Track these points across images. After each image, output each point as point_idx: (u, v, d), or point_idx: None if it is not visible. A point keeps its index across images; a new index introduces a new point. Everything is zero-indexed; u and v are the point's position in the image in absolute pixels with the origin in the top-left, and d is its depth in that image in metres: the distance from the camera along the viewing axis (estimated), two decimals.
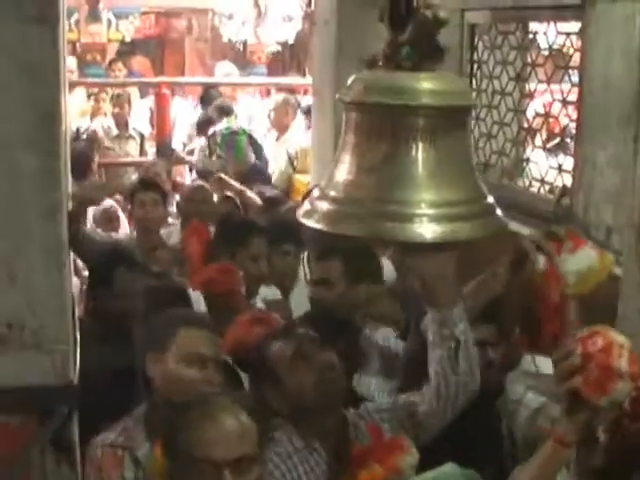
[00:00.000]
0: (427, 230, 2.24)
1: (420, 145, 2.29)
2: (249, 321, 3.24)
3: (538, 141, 4.46)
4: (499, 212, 2.44)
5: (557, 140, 4.66)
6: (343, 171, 2.35)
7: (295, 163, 7.23)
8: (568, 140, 4.36)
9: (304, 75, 10.85)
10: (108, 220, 6.10)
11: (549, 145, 4.49)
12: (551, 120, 4.51)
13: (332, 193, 2.35)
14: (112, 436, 2.65)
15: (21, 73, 1.95)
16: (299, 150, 7.17)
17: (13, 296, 1.97)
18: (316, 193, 2.44)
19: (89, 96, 9.26)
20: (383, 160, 2.28)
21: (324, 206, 2.35)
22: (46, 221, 1.97)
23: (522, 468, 2.17)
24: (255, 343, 2.94)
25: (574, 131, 4.04)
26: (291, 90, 9.31)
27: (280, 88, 9.36)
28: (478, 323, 2.82)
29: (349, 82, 2.42)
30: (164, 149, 8.16)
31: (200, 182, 6.04)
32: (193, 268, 4.23)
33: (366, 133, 2.32)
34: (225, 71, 10.29)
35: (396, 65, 2.32)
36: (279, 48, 11.63)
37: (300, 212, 2.45)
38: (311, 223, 2.37)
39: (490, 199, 2.42)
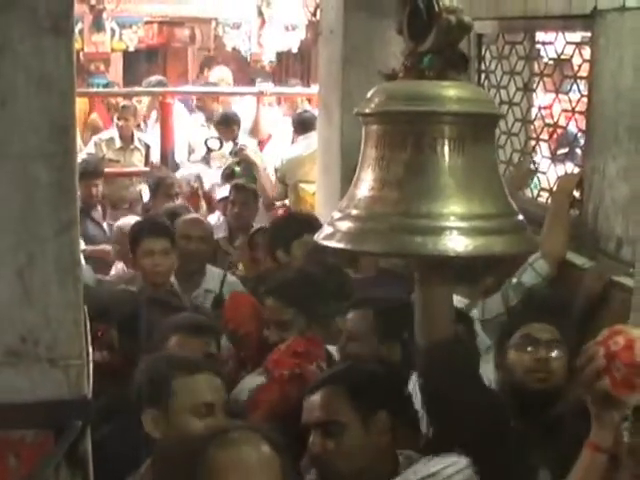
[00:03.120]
0: (459, 244, 2.14)
1: (447, 154, 2.19)
2: (283, 382, 3.05)
3: (546, 151, 4.45)
4: (529, 231, 2.35)
5: (566, 150, 4.63)
6: (365, 188, 2.25)
7: (279, 175, 7.13)
8: (577, 150, 4.35)
9: (308, 84, 10.85)
10: None
11: (558, 153, 4.47)
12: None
13: (354, 212, 2.23)
14: None
15: (36, 85, 1.94)
16: (285, 161, 7.08)
17: (27, 310, 1.96)
18: (336, 215, 2.30)
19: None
20: (408, 172, 2.18)
21: (346, 225, 2.23)
22: (61, 235, 1.95)
23: None
24: (292, 406, 2.80)
25: (582, 141, 4.04)
26: (292, 99, 9.29)
27: (286, 98, 9.33)
28: None
29: (369, 94, 2.33)
30: (168, 159, 8.15)
31: (195, 215, 5.52)
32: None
33: (389, 145, 2.22)
34: (218, 76, 10.01)
35: (418, 75, 2.25)
36: (275, 58, 11.63)
37: (320, 236, 2.32)
38: (333, 244, 2.25)
39: (520, 216, 2.33)
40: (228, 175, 7.18)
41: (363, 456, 2.56)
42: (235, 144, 7.57)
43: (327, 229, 2.31)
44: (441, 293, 2.38)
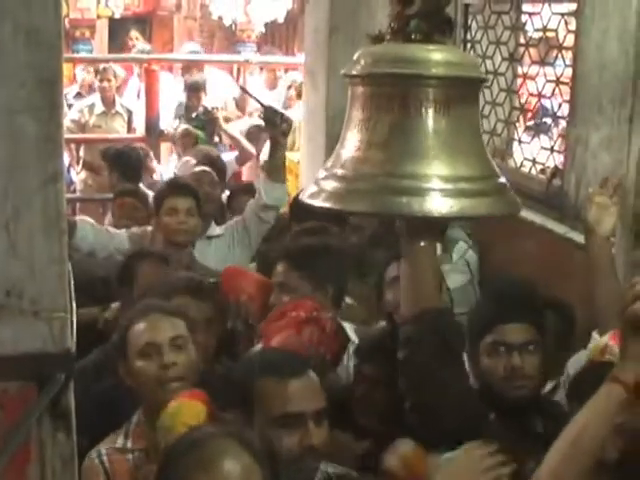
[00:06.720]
0: (444, 205, 2.17)
1: (433, 117, 2.22)
2: (299, 322, 2.95)
3: (530, 121, 4.48)
4: (512, 193, 2.38)
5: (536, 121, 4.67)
6: (351, 148, 2.27)
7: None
8: (548, 121, 4.38)
9: (292, 53, 10.83)
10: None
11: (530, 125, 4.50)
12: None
13: (340, 172, 2.26)
14: (120, 440, 2.61)
15: (24, 37, 1.93)
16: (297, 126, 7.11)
17: (12, 263, 1.96)
18: (321, 174, 2.33)
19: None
20: (394, 133, 2.21)
21: (332, 185, 2.25)
22: (47, 188, 1.95)
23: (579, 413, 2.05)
24: (306, 345, 2.77)
25: (558, 112, 4.07)
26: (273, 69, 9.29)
27: (271, 68, 9.32)
28: None
29: (355, 56, 2.37)
30: (152, 126, 8.12)
31: (203, 167, 5.56)
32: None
33: (375, 106, 2.25)
34: (191, 49, 10.16)
35: (405, 38, 2.28)
36: (262, 30, 11.60)
37: (305, 194, 2.34)
38: (318, 203, 2.26)
39: (503, 179, 2.37)
40: (193, 144, 7.23)
41: None
42: (204, 107, 7.75)
43: (312, 188, 2.34)
44: (427, 260, 2.38)
